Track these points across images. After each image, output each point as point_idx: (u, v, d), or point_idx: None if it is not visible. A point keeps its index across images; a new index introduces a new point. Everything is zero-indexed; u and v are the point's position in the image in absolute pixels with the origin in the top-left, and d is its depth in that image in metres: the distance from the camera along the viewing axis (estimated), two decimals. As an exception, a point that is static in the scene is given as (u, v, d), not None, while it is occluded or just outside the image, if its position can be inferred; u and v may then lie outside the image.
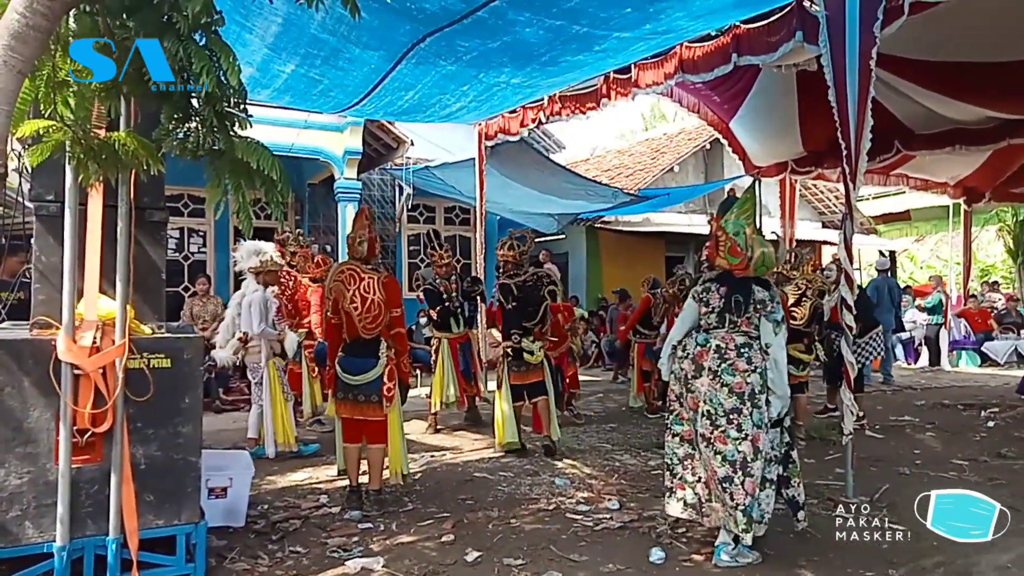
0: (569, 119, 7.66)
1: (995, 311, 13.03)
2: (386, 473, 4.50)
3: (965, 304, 12.67)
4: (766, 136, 9.33)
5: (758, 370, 3.39)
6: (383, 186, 12.02)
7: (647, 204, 12.14)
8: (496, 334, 10.24)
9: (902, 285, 14.89)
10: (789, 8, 5.13)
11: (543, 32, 4.88)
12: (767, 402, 3.41)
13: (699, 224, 14.50)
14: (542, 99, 7.55)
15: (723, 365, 3.40)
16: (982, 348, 12.21)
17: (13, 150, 2.67)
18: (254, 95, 6.18)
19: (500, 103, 7.01)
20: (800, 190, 13.48)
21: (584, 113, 7.38)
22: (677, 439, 3.61)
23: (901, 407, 8.04)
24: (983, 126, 8.11)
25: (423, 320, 6.70)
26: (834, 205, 15.71)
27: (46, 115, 2.64)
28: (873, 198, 17.20)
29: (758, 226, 3.66)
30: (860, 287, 7.21)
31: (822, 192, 15.98)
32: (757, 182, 10.43)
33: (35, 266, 3.17)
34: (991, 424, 7.00)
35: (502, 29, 4.81)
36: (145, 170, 2.80)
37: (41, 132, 2.56)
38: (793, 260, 6.74)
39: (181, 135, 2.85)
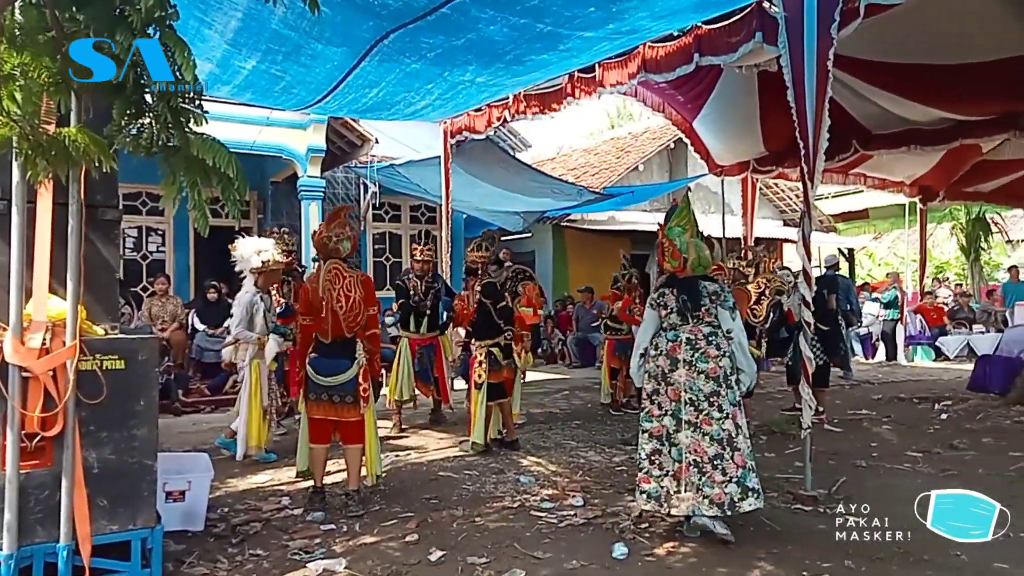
0: (534, 118, 7.68)
1: (947, 307, 13.42)
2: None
3: (921, 300, 13.00)
4: (728, 136, 9.45)
5: (726, 354, 3.77)
6: (347, 184, 11.90)
7: (612, 202, 12.23)
8: (461, 332, 10.22)
9: (859, 282, 15.24)
10: (749, 9, 5.20)
11: (507, 30, 4.87)
12: (737, 381, 3.78)
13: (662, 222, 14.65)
14: (508, 98, 7.55)
15: (696, 355, 3.75)
16: (936, 343, 12.54)
17: (-44, 146, 2.58)
18: (214, 91, 6.08)
19: (465, 101, 6.99)
20: (762, 188, 13.74)
21: (549, 112, 7.40)
22: (646, 435, 3.85)
23: (859, 401, 8.22)
24: (937, 127, 8.33)
25: (388, 319, 6.63)
26: (795, 203, 15.99)
27: (-9, 110, 2.56)
28: (832, 197, 17.55)
29: (698, 230, 4.10)
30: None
31: (783, 191, 16.26)
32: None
33: (-19, 265, 3.07)
34: (944, 417, 7.20)
35: (466, 26, 4.79)
36: (97, 167, 2.73)
37: (-15, 127, 2.48)
38: (750, 258, 6.86)
39: (134, 131, 2.79)
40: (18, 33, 2.56)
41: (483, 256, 5.94)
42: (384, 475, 4.67)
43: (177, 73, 2.64)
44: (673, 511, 3.73)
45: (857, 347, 12.70)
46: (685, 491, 3.66)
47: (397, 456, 5.71)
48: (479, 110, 7.97)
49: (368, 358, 4.35)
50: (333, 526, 4.04)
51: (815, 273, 5.31)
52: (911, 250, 15.23)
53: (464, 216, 12.59)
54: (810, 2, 4.45)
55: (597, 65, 6.55)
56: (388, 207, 12.59)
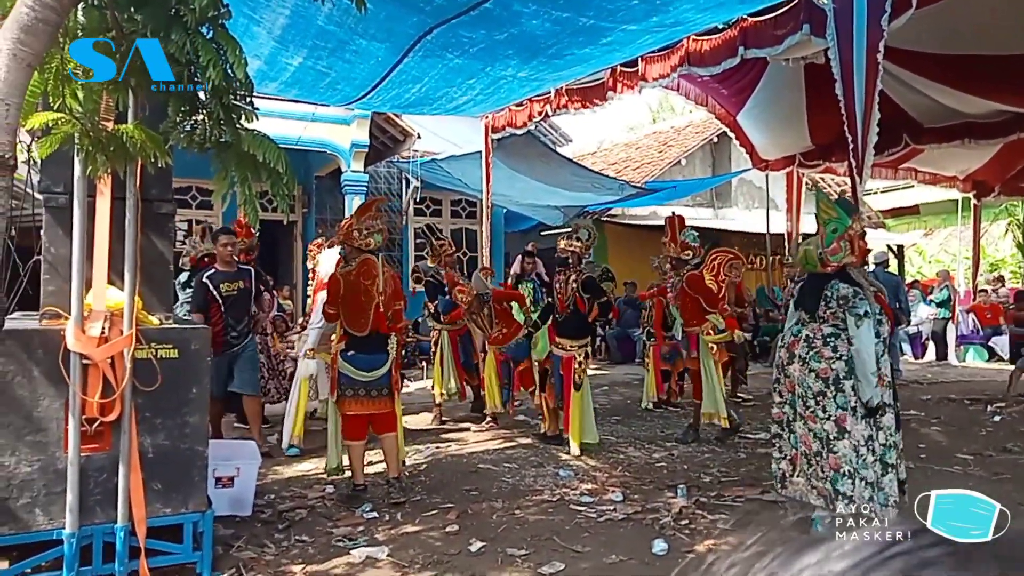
0: (576, 112, 7.65)
1: (1006, 306, 12.96)
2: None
3: (974, 299, 12.60)
4: (774, 129, 9.29)
5: (843, 358, 3.73)
6: (390, 179, 12.03)
7: (654, 197, 12.11)
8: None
9: (909, 280, 14.84)
10: (796, 1, 5.11)
11: (549, 24, 4.87)
12: (854, 388, 3.69)
13: (705, 218, 14.46)
14: (549, 92, 7.54)
15: (811, 352, 3.82)
16: (989, 343, 12.15)
17: (22, 142, 2.69)
18: (261, 88, 6.19)
19: (507, 96, 7.00)
20: (808, 184, 13.45)
21: (591, 107, 7.36)
22: (772, 420, 4.10)
23: (907, 401, 8.01)
24: (993, 119, 8.06)
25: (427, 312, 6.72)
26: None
27: (55, 108, 2.67)
28: (881, 192, 17.13)
29: (828, 227, 3.93)
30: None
31: (830, 186, 15.90)
32: (766, 177, 10.42)
33: (44, 257, 3.20)
34: (997, 419, 6.98)
35: (508, 21, 4.80)
36: (152, 162, 2.83)
37: (50, 124, 2.58)
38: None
39: (188, 128, 2.88)
40: (80, 33, 2.66)
41: (576, 246, 5.57)
42: (406, 462, 4.72)
43: (229, 71, 2.71)
44: (784, 493, 3.91)
45: (906, 346, 12.37)
46: (797, 476, 3.84)
47: (438, 448, 5.78)
48: (520, 105, 7.97)
49: (397, 350, 4.46)
50: (376, 514, 4.12)
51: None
52: (964, 247, 14.77)
53: (504, 210, 12.62)
54: (860, -7, 4.35)
55: (639, 59, 6.50)
56: (430, 201, 12.69)
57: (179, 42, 2.60)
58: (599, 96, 7.17)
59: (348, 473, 4.52)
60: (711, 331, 5.93)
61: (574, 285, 5.48)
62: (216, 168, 2.90)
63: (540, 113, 7.90)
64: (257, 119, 2.88)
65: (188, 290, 5.64)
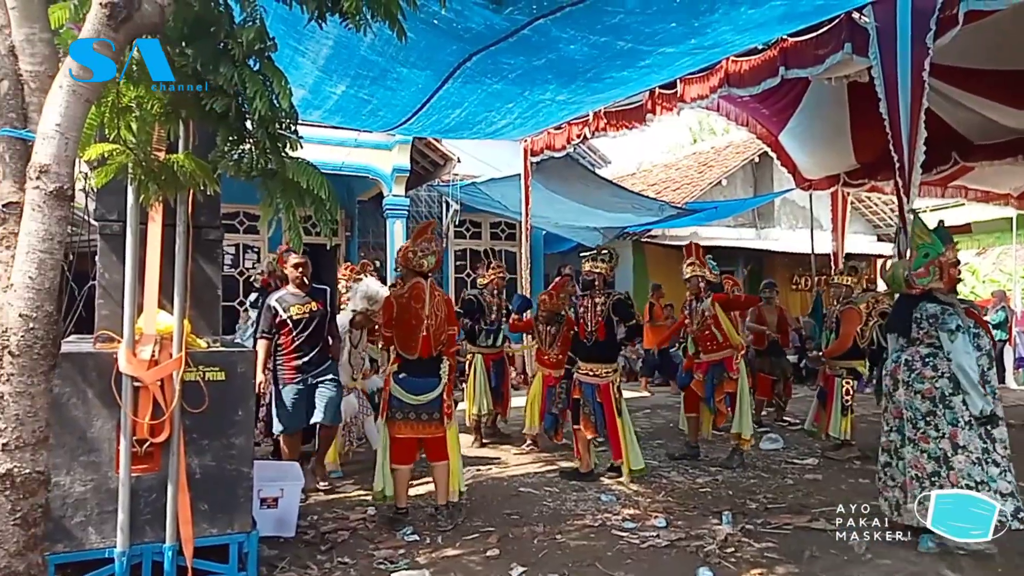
0: (615, 135, 7.66)
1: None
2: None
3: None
4: (817, 148, 9.16)
5: (945, 375, 3.81)
6: (430, 202, 12.18)
7: (694, 218, 12.01)
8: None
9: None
10: (838, 20, 5.05)
11: (587, 48, 4.90)
12: (964, 402, 3.76)
13: (748, 238, 14.28)
14: (587, 115, 7.57)
15: (912, 376, 3.91)
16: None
17: (80, 172, 2.81)
18: (306, 116, 6.36)
19: (545, 119, 7.04)
20: (854, 203, 13.19)
21: (629, 129, 7.36)
22: (881, 448, 4.16)
23: (962, 427, 7.73)
24: (1046, 135, 7.81)
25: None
26: (889, 218, 15.28)
27: (110, 139, 2.78)
28: (931, 210, 16.65)
29: (922, 249, 4.04)
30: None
31: (876, 205, 15.57)
32: (810, 196, 10.25)
33: (99, 282, 3.32)
34: (1059, 445, 6.68)
35: (546, 46, 4.85)
36: (202, 190, 2.92)
37: (105, 155, 2.70)
38: (854, 275, 6.58)
39: (236, 156, 2.96)
40: (135, 69, 2.78)
41: (601, 268, 5.49)
42: (465, 490, 4.69)
43: (275, 101, 2.79)
44: (901, 519, 3.91)
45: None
46: (910, 503, 3.82)
47: (478, 471, 5.76)
48: (559, 128, 8.02)
49: (449, 375, 4.43)
50: (417, 537, 4.12)
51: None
52: (1020, 266, 14.28)
53: (543, 232, 12.65)
54: (904, 11, 4.30)
55: (678, 80, 6.49)
56: (469, 224, 12.80)
57: (227, 74, 2.69)
58: (638, 119, 7.16)
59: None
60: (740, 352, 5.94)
61: (602, 308, 5.40)
62: (262, 195, 2.98)
63: (579, 136, 7.93)
64: (301, 147, 2.95)
65: (254, 312, 5.78)
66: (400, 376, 4.32)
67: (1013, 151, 8.08)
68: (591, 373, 5.47)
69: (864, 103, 6.41)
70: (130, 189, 3.03)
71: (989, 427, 3.76)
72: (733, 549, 3.90)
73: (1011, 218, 12.59)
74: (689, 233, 13.45)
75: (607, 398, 5.39)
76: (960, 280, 4.23)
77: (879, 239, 15.70)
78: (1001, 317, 11.58)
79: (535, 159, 8.64)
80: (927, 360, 3.87)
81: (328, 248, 5.46)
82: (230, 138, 2.92)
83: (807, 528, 4.27)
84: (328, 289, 5.19)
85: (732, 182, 14.55)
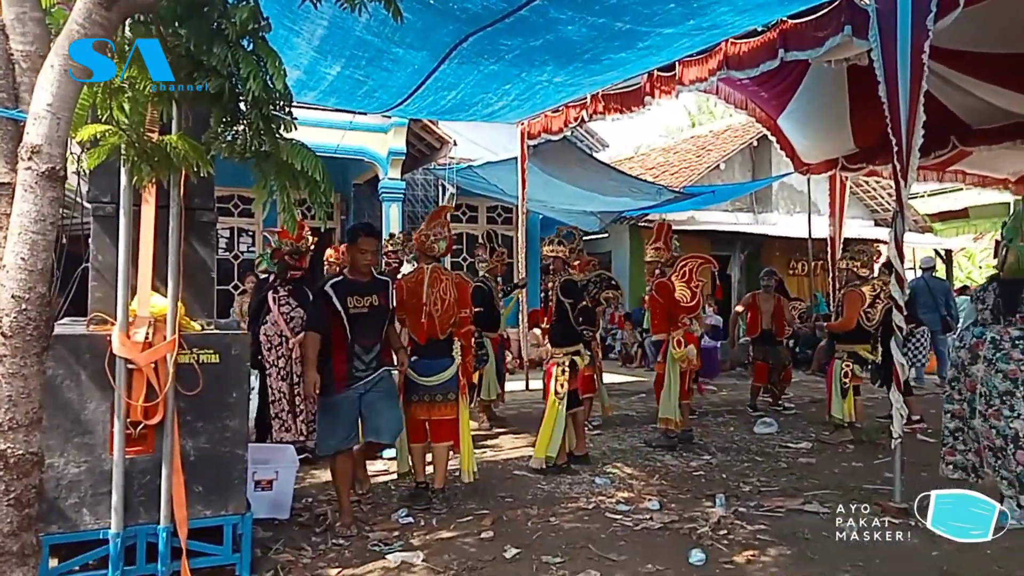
0: (613, 119, 7.62)
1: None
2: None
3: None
4: (816, 132, 9.12)
5: None
6: (427, 186, 12.13)
7: (692, 202, 11.99)
8: (538, 333, 10.24)
9: (958, 285, 14.40)
10: (838, 2, 5.01)
11: (586, 30, 4.87)
12: None
13: (745, 223, 14.27)
14: (585, 98, 7.53)
15: (998, 354, 3.98)
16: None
17: (72, 153, 2.78)
18: (301, 97, 6.32)
19: (542, 101, 7.01)
20: (852, 187, 13.16)
21: (627, 112, 7.32)
22: (948, 415, 4.31)
23: (956, 411, 7.78)
24: (1046, 119, 7.78)
25: None
26: (887, 203, 15.28)
27: (103, 120, 2.75)
28: (928, 195, 16.63)
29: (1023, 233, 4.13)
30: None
31: (874, 189, 15.56)
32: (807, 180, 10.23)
33: (91, 264, 3.30)
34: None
35: (544, 27, 4.81)
36: (195, 172, 2.90)
37: (98, 136, 2.67)
38: (863, 258, 6.56)
39: (229, 138, 2.94)
40: (127, 48, 2.74)
41: (559, 251, 5.40)
42: (477, 471, 4.66)
43: (269, 82, 2.77)
44: (981, 482, 4.07)
45: (954, 353, 12.00)
46: (986, 468, 4.06)
47: (473, 453, 5.77)
48: (556, 110, 7.98)
49: (462, 355, 4.50)
50: (411, 519, 4.14)
51: (909, 276, 5.07)
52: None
53: (540, 216, 12.63)
54: (904, -7, 4.25)
55: (676, 63, 6.44)
56: (466, 208, 12.76)
57: (221, 55, 2.66)
58: (636, 102, 7.12)
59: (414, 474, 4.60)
60: (680, 341, 5.87)
61: (553, 291, 5.31)
62: (256, 177, 2.96)
63: (576, 119, 7.89)
64: (296, 129, 2.92)
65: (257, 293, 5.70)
66: (413, 359, 4.42)
67: (1012, 135, 8.04)
68: (553, 357, 5.33)
69: (863, 86, 6.37)
70: (123, 170, 3.00)
71: None
72: (726, 531, 3.93)
73: (1008, 203, 12.57)
74: (687, 217, 13.44)
75: (548, 377, 5.32)
76: None
77: (876, 224, 15.70)
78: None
79: (532, 142, 8.61)
80: (1017, 342, 3.95)
81: (323, 231, 5.36)
82: (224, 119, 2.89)
83: (800, 511, 4.30)
84: (389, 282, 4.22)
85: (730, 166, 14.51)
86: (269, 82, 2.76)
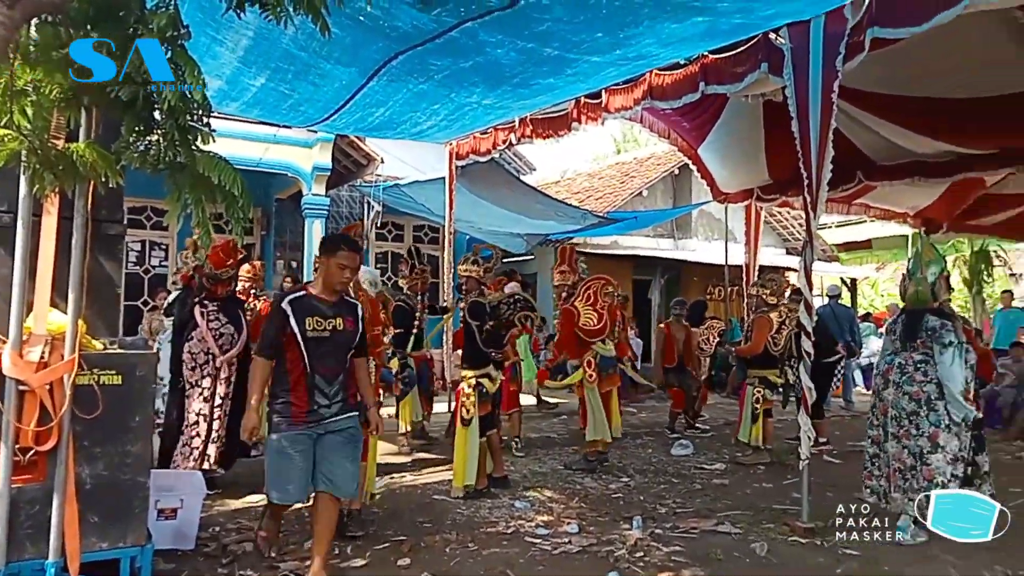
0: (540, 142, 7.70)
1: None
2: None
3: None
4: (733, 163, 9.47)
5: (933, 381, 4.24)
6: (352, 203, 11.95)
7: (616, 227, 12.24)
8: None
9: (862, 312, 15.19)
10: (755, 40, 5.23)
11: (515, 54, 4.90)
12: (946, 407, 4.18)
13: (666, 248, 14.65)
14: (514, 121, 7.59)
15: (903, 378, 4.33)
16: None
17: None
18: (223, 107, 6.11)
19: (471, 123, 7.01)
20: (766, 217, 13.73)
21: (555, 137, 7.42)
22: (869, 441, 4.57)
23: (859, 432, 8.11)
24: (941, 159, 8.32)
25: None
26: (798, 232, 16.00)
27: (2, 124, 2.58)
28: (836, 226, 17.54)
29: (931, 269, 4.50)
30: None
31: (787, 219, 16.28)
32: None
33: (-16, 277, 3.07)
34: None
35: (474, 49, 4.82)
36: (103, 182, 2.75)
37: (-6, 141, 2.50)
38: (773, 286, 6.82)
39: (142, 148, 2.81)
40: (32, 49, 2.59)
41: (472, 271, 5.32)
42: (378, 496, 4.63)
43: (187, 92, 2.66)
44: (888, 507, 4.31)
45: (859, 378, 12.62)
46: (894, 492, 4.29)
47: (392, 478, 5.66)
48: (485, 132, 8.00)
49: (375, 374, 4.41)
50: (326, 547, 3.99)
51: (817, 303, 5.32)
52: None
53: (467, 237, 12.63)
54: (816, 35, 4.48)
55: (603, 90, 6.58)
56: (392, 226, 12.63)
57: (136, 62, 2.55)
58: (563, 126, 7.23)
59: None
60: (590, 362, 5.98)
61: (464, 312, 5.29)
62: (169, 189, 2.84)
63: (504, 141, 7.94)
64: (214, 141, 2.82)
65: (168, 320, 5.41)
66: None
67: (911, 172, 8.57)
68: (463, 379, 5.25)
69: (778, 122, 6.67)
70: (23, 178, 2.81)
71: (969, 431, 4.18)
72: (642, 553, 3.96)
73: (907, 236, 13.38)
74: (610, 242, 13.70)
75: (457, 402, 5.28)
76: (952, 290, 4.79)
77: (788, 252, 16.41)
78: (896, 329, 12.27)
79: (460, 163, 8.60)
80: (919, 366, 4.29)
81: (240, 247, 5.05)
82: (136, 128, 2.77)
83: (713, 531, 4.40)
84: (358, 306, 3.69)
85: (652, 193, 14.90)
86: (187, 92, 2.66)
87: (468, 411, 5.05)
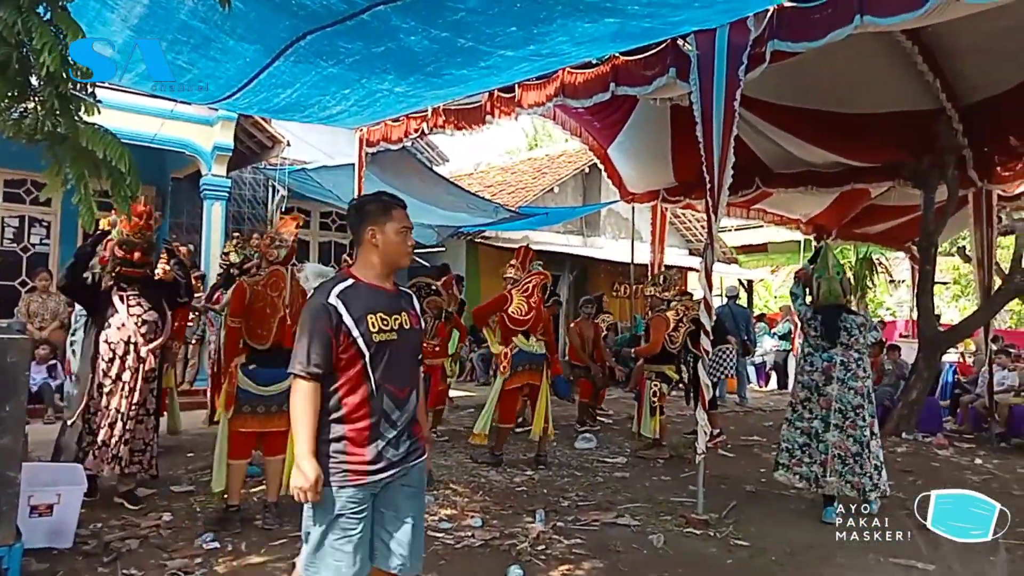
0: (453, 133, 7.64)
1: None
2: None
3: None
4: (641, 164, 9.72)
5: (869, 376, 4.79)
6: (255, 186, 11.50)
7: (527, 222, 12.32)
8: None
9: (757, 313, 15.94)
10: (665, 45, 5.37)
11: (428, 42, 4.83)
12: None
13: (575, 245, 14.89)
14: (426, 110, 7.49)
15: (847, 374, 4.69)
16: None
17: None
18: (112, 78, 5.74)
19: (382, 110, 6.87)
20: (671, 218, 14.19)
21: (468, 129, 7.38)
22: (798, 431, 4.84)
23: (751, 427, 8.55)
24: (831, 170, 8.84)
25: None
26: (700, 234, 16.60)
27: None
28: (735, 229, 18.34)
29: (836, 270, 4.91)
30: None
31: (690, 221, 16.87)
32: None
33: None
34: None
35: (386, 35, 4.71)
36: (-31, 150, 2.52)
37: None
38: (663, 283, 7.05)
39: (16, 115, 2.59)
40: None
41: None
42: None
43: (69, 57, 2.47)
44: (821, 491, 4.69)
45: (752, 375, 13.24)
46: (830, 476, 4.61)
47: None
48: (397, 120, 7.86)
49: None
50: (217, 544, 3.83)
51: (716, 302, 5.55)
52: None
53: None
54: (721, 44, 4.64)
55: (517, 85, 6.60)
56: (297, 211, 12.21)
57: (8, 20, 2.34)
58: (476, 119, 7.20)
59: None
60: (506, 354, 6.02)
61: None
62: (48, 162, 2.63)
63: (416, 131, 7.83)
64: (99, 112, 2.63)
65: (80, 313, 4.81)
66: (250, 368, 4.16)
67: (804, 181, 9.06)
68: None
69: (684, 126, 6.86)
70: None
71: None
72: (544, 546, 4.00)
73: (800, 241, 14.13)
74: (521, 236, 13.77)
75: None
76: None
77: (690, 252, 17.01)
78: (787, 329, 12.97)
79: (371, 149, 8.42)
80: (859, 363, 4.72)
81: (94, 230, 4.33)
82: (9, 94, 2.54)
83: (613, 524, 4.49)
84: (412, 294, 2.68)
85: (563, 190, 15.10)
86: (69, 57, 2.46)
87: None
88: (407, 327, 2.45)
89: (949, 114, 7.33)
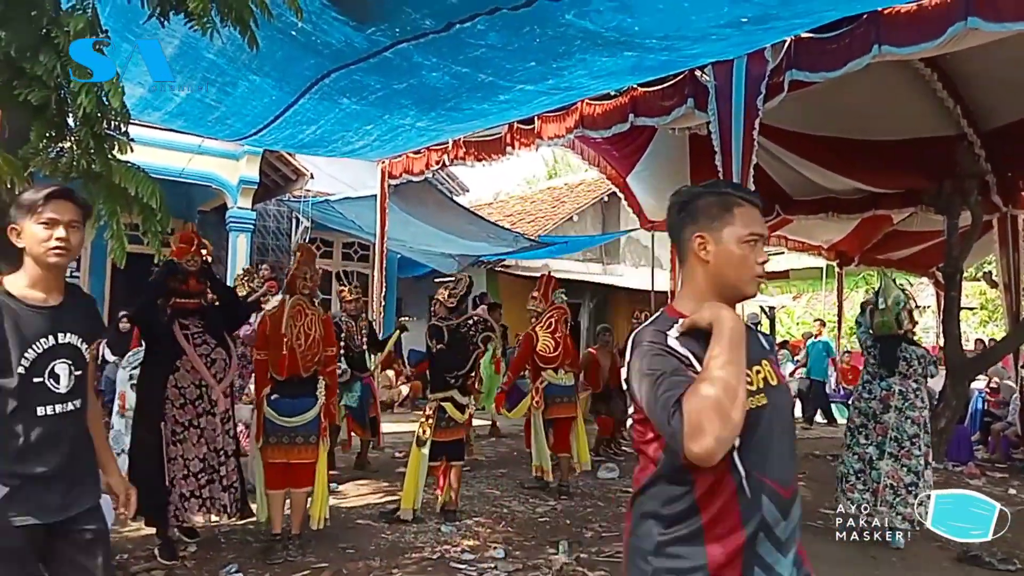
0: (474, 165, 7.75)
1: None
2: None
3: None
4: (660, 192, 9.73)
5: (926, 406, 4.85)
6: (279, 218, 11.69)
7: (547, 250, 12.39)
8: (391, 375, 10.05)
9: (779, 340, 15.77)
10: (683, 76, 5.43)
11: (448, 78, 4.92)
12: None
13: (595, 273, 14.91)
14: (447, 142, 7.60)
15: (906, 403, 4.76)
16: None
17: None
18: (144, 116, 5.90)
19: (404, 144, 6.98)
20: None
21: (488, 160, 7.48)
22: (855, 456, 4.89)
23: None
24: (853, 196, 8.82)
25: None
26: (721, 261, 16.50)
27: None
28: (756, 256, 18.25)
29: (895, 300, 4.95)
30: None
31: (711, 248, 16.78)
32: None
33: None
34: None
35: (408, 71, 4.82)
36: (9, 189, 2.60)
37: None
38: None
39: (53, 155, 2.69)
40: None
41: (439, 296, 5.30)
42: (328, 519, 4.50)
43: (104, 99, 2.56)
44: (870, 520, 4.33)
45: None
46: (880, 506, 4.59)
47: (328, 500, 5.49)
48: (418, 152, 7.99)
49: (326, 396, 4.31)
50: (241, 575, 3.84)
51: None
52: (827, 311, 15.89)
53: (398, 256, 12.52)
54: (739, 74, 4.69)
55: (536, 117, 6.69)
56: (321, 243, 12.39)
57: (48, 65, 2.44)
58: (496, 151, 7.30)
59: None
60: (538, 389, 6.02)
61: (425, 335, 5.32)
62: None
63: (438, 162, 7.96)
64: (132, 151, 2.73)
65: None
66: (272, 398, 4.20)
67: (825, 208, 9.05)
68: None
69: (702, 154, 6.91)
70: (-83, 182, 2.63)
71: None
72: (568, 579, 3.97)
73: (822, 267, 14.02)
74: (541, 265, 13.83)
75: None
76: (916, 322, 5.25)
77: (711, 280, 16.93)
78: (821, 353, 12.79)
79: (393, 181, 8.55)
80: (917, 392, 4.80)
81: (156, 262, 4.24)
82: (47, 134, 2.65)
83: (637, 556, 4.43)
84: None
85: (583, 218, 15.17)
86: (104, 98, 2.56)
87: (424, 432, 4.97)
88: (774, 384, 1.58)
89: (970, 140, 7.30)
